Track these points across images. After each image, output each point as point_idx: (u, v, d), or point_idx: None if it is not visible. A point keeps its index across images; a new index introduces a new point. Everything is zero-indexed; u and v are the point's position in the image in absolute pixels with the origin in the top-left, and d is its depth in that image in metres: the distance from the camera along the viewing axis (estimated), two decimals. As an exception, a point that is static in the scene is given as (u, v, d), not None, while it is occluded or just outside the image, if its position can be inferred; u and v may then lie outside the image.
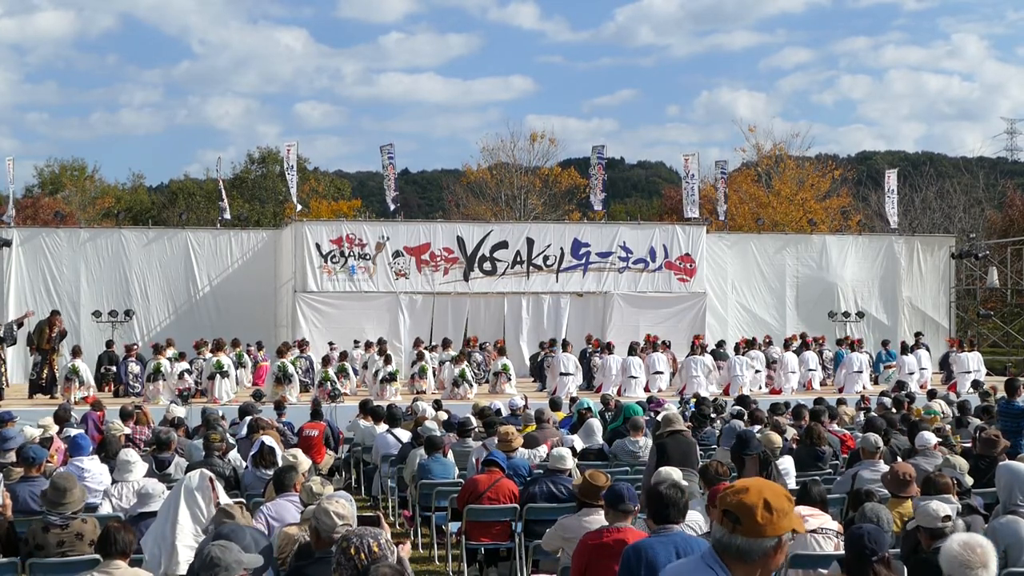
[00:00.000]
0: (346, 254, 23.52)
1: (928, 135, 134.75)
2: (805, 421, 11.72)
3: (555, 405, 13.78)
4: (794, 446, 10.32)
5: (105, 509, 7.85)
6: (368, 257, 23.67)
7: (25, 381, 20.55)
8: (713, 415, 13.33)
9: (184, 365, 18.68)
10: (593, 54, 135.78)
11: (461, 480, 9.29)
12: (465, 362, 19.96)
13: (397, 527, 10.26)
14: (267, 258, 25.44)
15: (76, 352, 18.74)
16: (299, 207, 27.76)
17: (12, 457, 9.06)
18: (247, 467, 9.22)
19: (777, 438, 9.11)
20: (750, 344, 22.29)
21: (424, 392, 19.33)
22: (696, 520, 6.10)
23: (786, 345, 23.14)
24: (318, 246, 23.34)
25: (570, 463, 8.65)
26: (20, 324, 20.85)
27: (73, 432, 10.84)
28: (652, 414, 12.70)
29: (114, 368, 19.88)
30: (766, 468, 7.76)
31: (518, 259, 24.52)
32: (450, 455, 10.09)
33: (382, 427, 12.13)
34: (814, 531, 6.21)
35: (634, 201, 64.38)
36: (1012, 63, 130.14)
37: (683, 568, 3.33)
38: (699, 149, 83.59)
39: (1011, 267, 30.51)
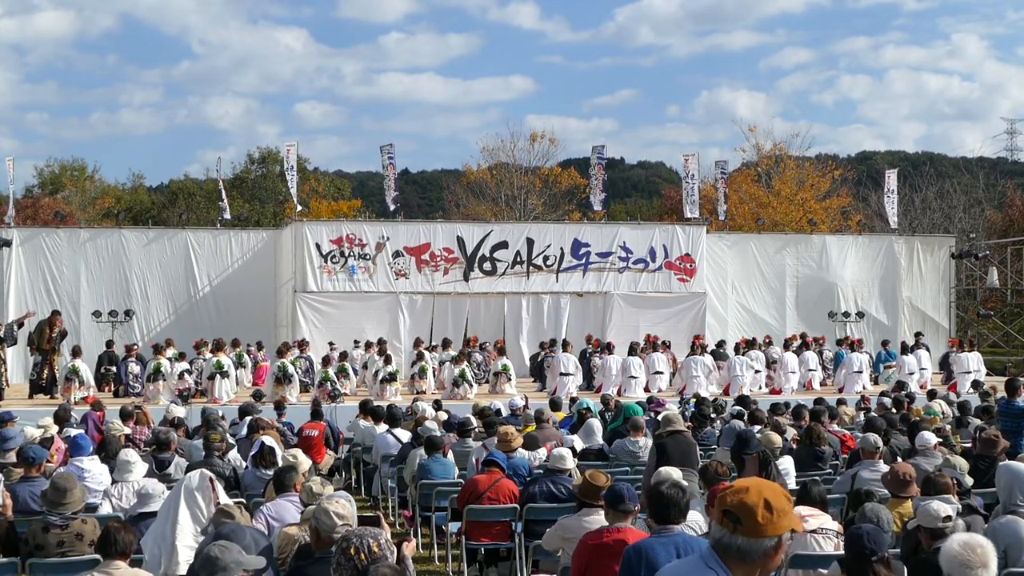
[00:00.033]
0: (346, 254, 23.52)
1: (928, 135, 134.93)
2: (805, 421, 11.72)
3: (555, 405, 13.78)
4: (794, 446, 10.32)
5: (105, 509, 7.85)
6: (368, 257, 23.67)
7: (25, 381, 20.55)
8: (713, 415, 13.33)
9: (184, 365, 18.68)
10: (593, 54, 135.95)
11: (461, 480, 9.29)
12: (465, 362, 19.96)
13: (397, 527, 10.25)
14: (267, 258, 25.44)
15: (76, 352, 18.74)
16: (299, 207, 27.76)
17: (12, 457, 9.07)
18: (247, 467, 9.22)
19: (777, 438, 9.11)
20: (750, 344, 22.29)
21: (424, 392, 19.32)
22: (696, 520, 6.10)
23: (786, 345, 23.14)
24: (318, 246, 23.34)
25: (570, 463, 8.65)
26: (21, 324, 20.86)
27: (73, 432, 10.84)
28: (652, 414, 12.71)
29: (114, 368, 19.87)
30: (766, 468, 7.76)
31: (518, 259, 24.52)
32: (450, 455, 10.09)
33: (382, 427, 12.13)
34: (814, 531, 6.21)
35: (634, 201, 64.38)
36: (1012, 63, 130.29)
37: (682, 568, 3.32)
38: (699, 149, 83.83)
39: (1011, 267, 30.50)
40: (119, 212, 37.77)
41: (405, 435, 11.44)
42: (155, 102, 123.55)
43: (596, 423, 11.68)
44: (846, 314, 27.04)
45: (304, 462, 7.88)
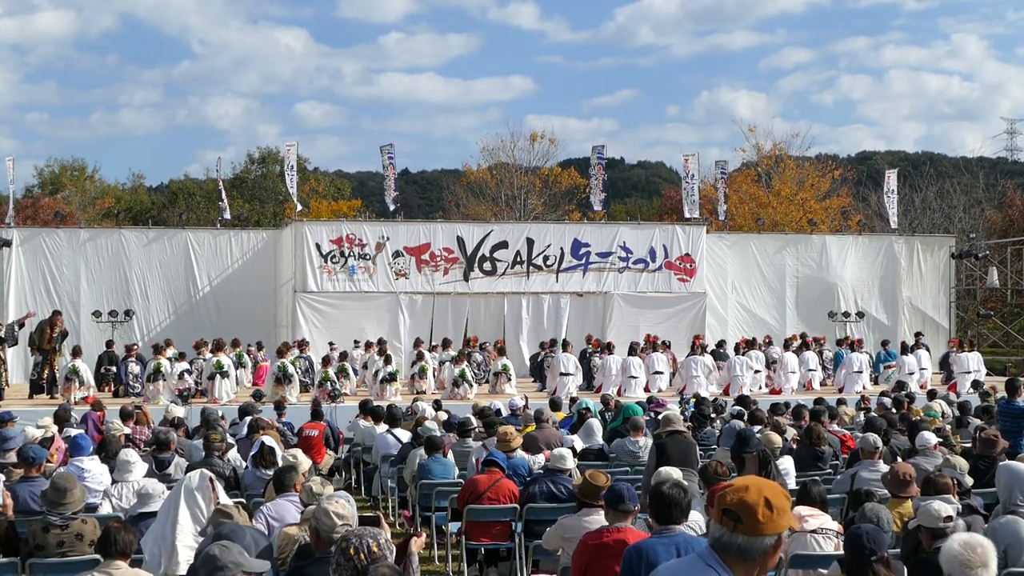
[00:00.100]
0: (346, 254, 23.51)
1: (928, 135, 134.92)
2: (805, 421, 11.72)
3: (555, 405, 13.78)
4: (794, 446, 10.32)
5: (105, 509, 7.84)
6: (368, 257, 23.66)
7: (25, 381, 20.56)
8: (713, 415, 13.32)
9: (184, 365, 18.68)
10: (593, 54, 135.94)
11: (461, 480, 9.29)
12: (465, 362, 19.96)
13: (397, 527, 10.25)
14: (267, 258, 25.44)
15: (76, 352, 18.73)
16: (299, 207, 27.75)
17: (12, 457, 9.08)
18: (247, 467, 9.22)
19: (777, 438, 9.11)
20: (750, 344, 22.29)
21: (424, 392, 19.32)
22: (696, 520, 6.10)
23: (786, 345, 23.14)
24: (318, 246, 23.34)
25: (570, 463, 8.65)
26: (21, 325, 20.87)
27: (73, 432, 10.84)
28: (652, 414, 12.71)
29: (114, 368, 19.87)
30: (765, 467, 7.77)
31: (518, 259, 24.51)
32: (450, 455, 10.09)
33: (382, 427, 12.13)
34: (814, 531, 6.21)
35: (634, 201, 64.38)
36: (1012, 63, 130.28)
37: (681, 567, 3.31)
38: (699, 149, 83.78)
39: (1011, 267, 30.50)
40: (119, 212, 37.76)
41: (405, 435, 11.43)
42: (155, 102, 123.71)
43: (596, 423, 11.68)
44: (846, 314, 27.04)
45: (304, 462, 7.87)
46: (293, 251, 23.60)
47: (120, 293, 24.12)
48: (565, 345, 21.25)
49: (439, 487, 9.29)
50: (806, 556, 6.12)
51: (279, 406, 13.81)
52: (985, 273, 29.25)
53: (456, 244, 24.18)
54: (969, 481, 7.96)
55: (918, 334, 24.62)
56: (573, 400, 14.99)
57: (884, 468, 8.09)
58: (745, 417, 11.69)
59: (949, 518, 5.64)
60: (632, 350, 21.07)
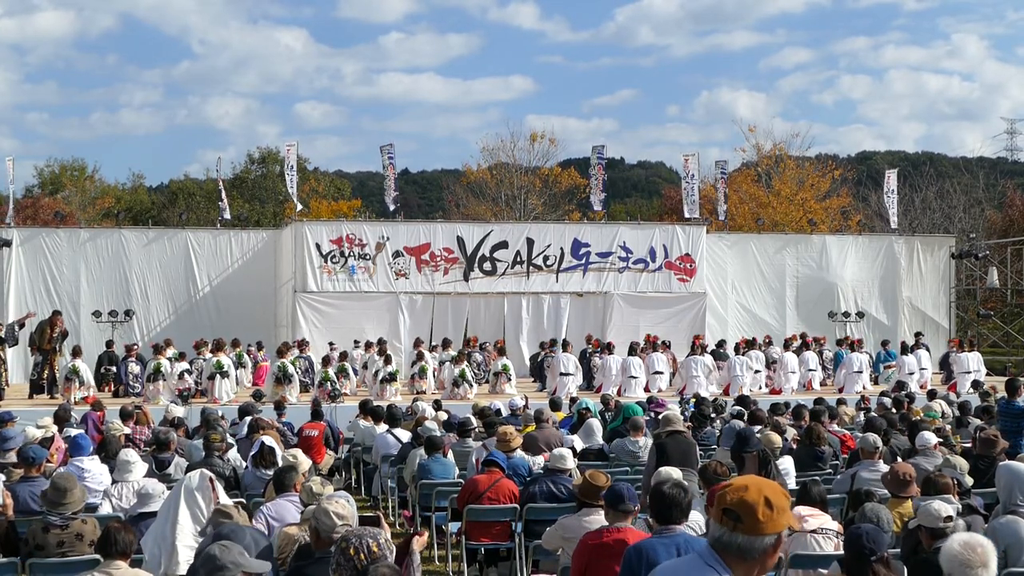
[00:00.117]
0: (346, 254, 23.52)
1: (928, 135, 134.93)
2: (805, 421, 11.72)
3: (555, 405, 13.78)
4: (794, 446, 10.32)
5: (105, 509, 7.85)
6: (368, 257, 23.67)
7: (25, 381, 20.56)
8: (713, 415, 13.33)
9: (184, 365, 18.68)
10: (593, 54, 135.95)
11: (461, 480, 9.29)
12: (465, 362, 19.96)
13: (397, 527, 10.25)
14: (267, 258, 25.44)
15: (76, 352, 18.73)
16: (299, 207, 27.75)
17: (12, 457, 9.08)
18: (247, 467, 9.22)
19: (777, 438, 9.11)
20: (750, 344, 22.29)
21: (424, 392, 19.32)
22: (697, 520, 6.10)
23: (786, 345, 23.14)
24: (318, 246, 23.34)
25: (570, 463, 8.65)
26: (22, 325, 20.87)
27: (73, 432, 10.84)
28: (652, 414, 12.71)
29: (114, 368, 19.87)
30: (765, 467, 7.77)
31: (518, 259, 24.52)
32: (450, 455, 10.09)
33: (382, 427, 12.13)
34: (814, 531, 6.21)
35: (634, 201, 64.38)
36: (1012, 63, 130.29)
37: (680, 566, 3.31)
38: (699, 149, 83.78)
39: (1011, 267, 30.50)
40: (119, 212, 37.77)
41: (405, 435, 11.44)
42: (155, 102, 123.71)
43: (596, 423, 11.68)
44: (846, 314, 27.04)
45: (304, 462, 7.88)
46: (293, 251, 23.60)
47: (120, 293, 24.13)
48: (565, 345, 21.25)
49: (439, 487, 9.29)
50: (806, 556, 6.12)
51: (279, 406, 13.81)
52: (985, 273, 29.25)
53: (456, 244, 24.18)
54: (969, 481, 7.96)
55: (918, 334, 24.62)
56: (573, 400, 14.99)
57: (884, 468, 8.09)
58: (745, 417, 11.69)
59: (949, 518, 5.64)
60: (632, 350, 21.07)
